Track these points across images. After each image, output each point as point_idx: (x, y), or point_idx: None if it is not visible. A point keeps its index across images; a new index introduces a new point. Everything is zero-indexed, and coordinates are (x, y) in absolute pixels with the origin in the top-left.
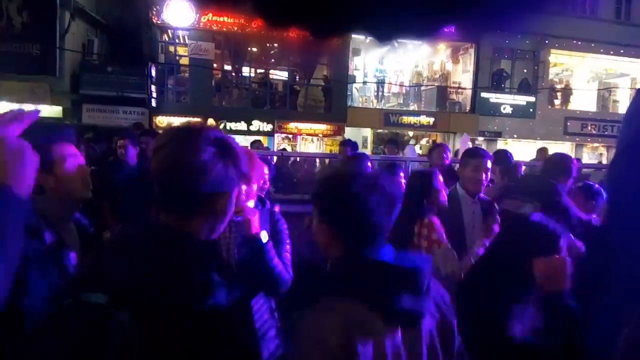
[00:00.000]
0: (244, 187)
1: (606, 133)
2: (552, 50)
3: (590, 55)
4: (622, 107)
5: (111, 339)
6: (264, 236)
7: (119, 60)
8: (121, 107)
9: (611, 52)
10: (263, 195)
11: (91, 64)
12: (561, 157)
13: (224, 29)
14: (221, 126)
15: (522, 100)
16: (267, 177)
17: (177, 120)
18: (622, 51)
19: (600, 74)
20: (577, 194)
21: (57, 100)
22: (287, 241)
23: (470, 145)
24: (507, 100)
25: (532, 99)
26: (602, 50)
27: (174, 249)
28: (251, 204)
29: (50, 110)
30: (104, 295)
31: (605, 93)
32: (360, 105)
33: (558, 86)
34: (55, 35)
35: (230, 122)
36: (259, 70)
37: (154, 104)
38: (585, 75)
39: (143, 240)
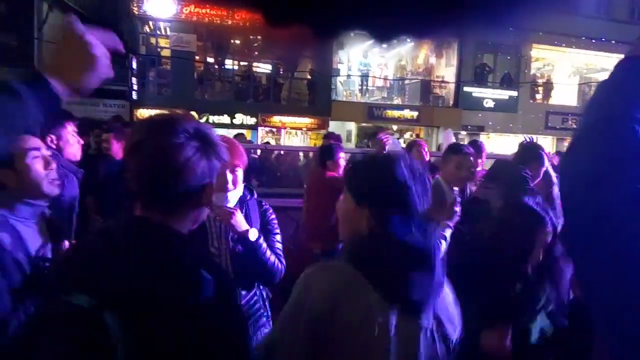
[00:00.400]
0: (229, 175)
1: None
2: (534, 45)
3: (571, 50)
4: None
5: (98, 342)
6: (253, 234)
7: None
8: (101, 99)
9: (591, 47)
10: None
11: None
12: (531, 144)
13: (206, 21)
14: (203, 119)
15: (504, 94)
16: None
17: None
18: (602, 46)
19: (581, 69)
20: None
21: None
22: (277, 230)
23: (453, 140)
24: (489, 95)
25: (514, 93)
26: (582, 45)
27: (159, 245)
28: (234, 197)
29: None
30: (89, 297)
31: (585, 88)
32: (344, 99)
33: (540, 81)
34: (32, 26)
35: (213, 115)
36: (242, 63)
37: (134, 96)
38: (566, 69)
39: (127, 237)
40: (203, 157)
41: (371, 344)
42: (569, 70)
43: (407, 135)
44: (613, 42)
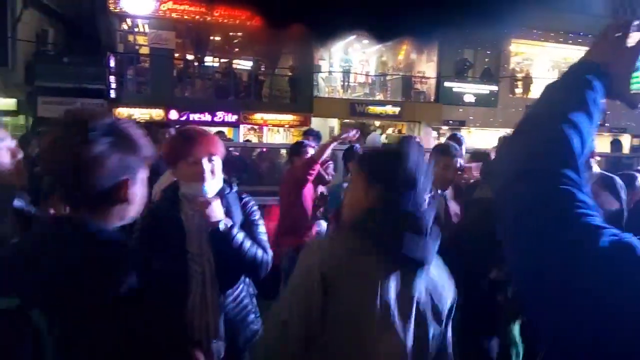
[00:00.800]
0: (206, 164)
1: None
2: (513, 40)
3: (550, 45)
4: None
5: (27, 344)
6: (224, 224)
7: (75, 51)
8: (79, 98)
9: (570, 42)
10: None
11: (46, 54)
12: None
13: (185, 17)
14: (184, 117)
15: (484, 89)
16: None
17: (137, 112)
18: (580, 40)
19: (560, 63)
20: None
21: (10, 92)
22: (261, 222)
23: (434, 135)
24: (470, 90)
25: (494, 88)
26: (561, 40)
27: (77, 243)
28: (212, 187)
29: (4, 103)
30: (17, 299)
31: None
32: (326, 95)
33: (519, 75)
34: (6, 25)
35: (194, 113)
36: (222, 60)
37: (113, 95)
38: (545, 64)
39: (51, 237)
40: (116, 152)
41: (373, 305)
42: (548, 65)
43: (389, 130)
44: (590, 36)
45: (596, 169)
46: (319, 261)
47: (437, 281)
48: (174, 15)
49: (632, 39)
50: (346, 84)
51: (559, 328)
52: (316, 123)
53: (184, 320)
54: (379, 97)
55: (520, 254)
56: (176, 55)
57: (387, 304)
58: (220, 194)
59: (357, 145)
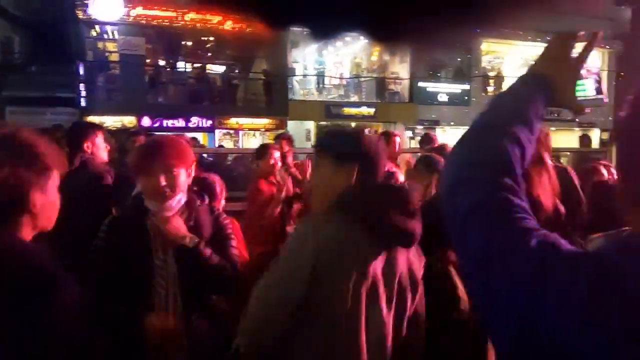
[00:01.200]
0: (164, 180)
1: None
2: (484, 39)
3: (520, 43)
4: None
5: None
6: (189, 240)
7: (43, 59)
8: (48, 108)
9: (539, 39)
10: None
11: (12, 63)
12: None
13: (155, 23)
14: (157, 124)
15: (457, 88)
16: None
17: (109, 120)
18: (549, 38)
19: (530, 61)
20: None
21: None
22: (232, 237)
23: (410, 134)
24: (443, 89)
25: (466, 86)
26: (530, 38)
27: None
28: (174, 202)
29: None
30: None
31: None
32: (301, 98)
33: (490, 73)
34: None
35: (167, 119)
36: (195, 65)
37: (83, 103)
38: (515, 62)
39: None
40: (8, 164)
41: (362, 282)
42: (519, 62)
43: (365, 131)
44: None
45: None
46: (312, 241)
47: (412, 255)
48: (143, 21)
49: (577, 49)
50: (321, 86)
51: (502, 332)
52: (292, 126)
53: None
54: (354, 98)
55: (464, 258)
56: (147, 61)
57: (374, 279)
58: (190, 206)
59: None
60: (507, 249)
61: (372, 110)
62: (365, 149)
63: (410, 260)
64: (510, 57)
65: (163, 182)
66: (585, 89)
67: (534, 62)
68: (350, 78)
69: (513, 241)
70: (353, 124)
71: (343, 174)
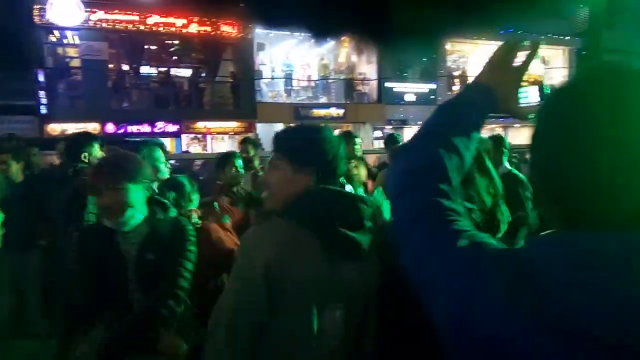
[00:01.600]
0: (105, 197)
1: (502, 115)
2: (449, 37)
3: (483, 42)
4: None
5: None
6: (141, 256)
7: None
8: (6, 116)
9: (502, 39)
10: None
11: None
12: None
13: (117, 27)
14: (122, 130)
15: (424, 88)
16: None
17: (71, 127)
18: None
19: None
20: None
21: None
22: (189, 256)
23: (379, 134)
24: (410, 89)
25: (433, 86)
26: (493, 37)
27: None
28: (125, 219)
29: None
30: None
31: None
32: (270, 101)
33: (456, 73)
34: None
35: (132, 125)
36: (160, 69)
37: (44, 111)
38: (480, 61)
39: None
40: None
41: (318, 290)
42: (483, 61)
43: (335, 132)
44: (520, 32)
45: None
46: (260, 251)
47: (365, 263)
48: (105, 25)
49: (519, 58)
50: (289, 88)
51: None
52: (261, 129)
53: None
54: (323, 100)
55: (408, 261)
56: (110, 66)
57: (325, 286)
58: (149, 220)
59: None
60: (442, 251)
61: (341, 111)
62: (322, 153)
63: (363, 270)
64: (474, 56)
65: (109, 201)
66: (528, 95)
67: (479, 73)
68: (318, 80)
69: (447, 243)
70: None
71: (298, 179)
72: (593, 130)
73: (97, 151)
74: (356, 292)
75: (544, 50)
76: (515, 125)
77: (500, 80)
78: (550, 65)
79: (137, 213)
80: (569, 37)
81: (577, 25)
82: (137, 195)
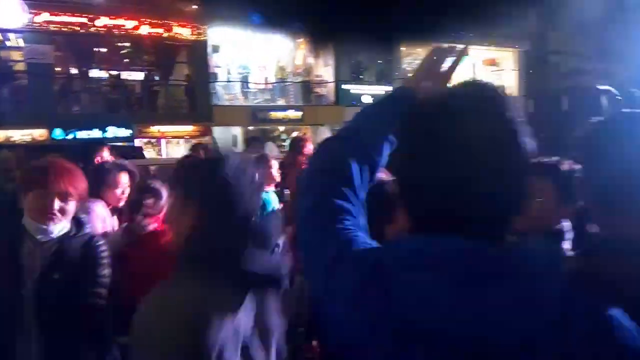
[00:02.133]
0: (57, 202)
1: None
2: (403, 41)
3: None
4: None
5: None
6: (49, 274)
7: None
8: None
9: (453, 41)
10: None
11: None
12: None
13: (64, 29)
14: (70, 136)
15: (380, 89)
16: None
17: (17, 134)
18: (462, 39)
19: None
20: None
21: None
22: (99, 279)
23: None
24: (367, 91)
25: (389, 88)
26: (444, 39)
27: None
28: (57, 230)
29: None
30: None
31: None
32: (226, 103)
33: (410, 75)
34: None
35: (82, 130)
36: (111, 72)
37: None
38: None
39: None
40: None
41: (229, 337)
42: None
43: (294, 134)
44: (472, 35)
45: None
46: (168, 308)
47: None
48: (51, 27)
49: (445, 64)
50: (246, 90)
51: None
52: (218, 132)
53: None
54: (281, 102)
55: (301, 253)
56: (57, 69)
57: (247, 332)
58: (64, 237)
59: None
60: (315, 250)
61: (299, 114)
62: (208, 183)
63: (270, 307)
64: None
65: (57, 205)
66: None
67: (407, 78)
68: (275, 83)
69: (321, 243)
70: (281, 128)
71: (186, 214)
72: (429, 146)
73: (108, 155)
74: (269, 331)
75: (494, 53)
76: None
77: (425, 85)
78: (501, 67)
79: (66, 226)
80: (518, 40)
81: (526, 28)
82: (73, 209)
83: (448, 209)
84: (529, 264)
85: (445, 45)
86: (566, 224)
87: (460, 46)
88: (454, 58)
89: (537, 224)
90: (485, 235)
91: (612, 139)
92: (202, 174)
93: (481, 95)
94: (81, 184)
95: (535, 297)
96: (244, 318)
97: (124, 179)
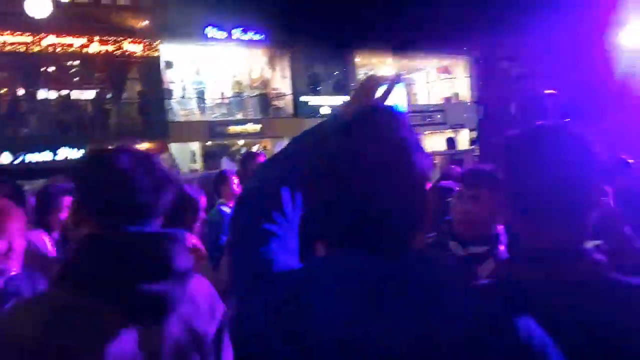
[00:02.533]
0: None
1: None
2: (357, 52)
3: (390, 56)
4: (420, 98)
5: None
6: None
7: None
8: None
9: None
10: None
11: None
12: None
13: (8, 49)
14: (18, 160)
15: (337, 100)
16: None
17: None
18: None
19: (402, 68)
20: None
21: None
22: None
23: None
24: (324, 102)
25: (347, 98)
26: (396, 50)
27: None
28: None
29: None
30: None
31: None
32: (182, 119)
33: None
34: None
35: (31, 153)
36: (60, 92)
37: None
38: (388, 72)
39: None
40: None
41: None
42: (391, 73)
43: (255, 148)
44: (424, 43)
45: None
46: (24, 337)
47: (196, 311)
48: None
49: (379, 91)
50: (203, 105)
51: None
52: (176, 148)
53: None
54: (239, 116)
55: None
56: (2, 91)
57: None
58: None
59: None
60: (237, 269)
61: (257, 127)
62: (86, 182)
63: (191, 318)
64: (382, 68)
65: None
66: None
67: (343, 104)
68: (232, 97)
69: (246, 261)
70: (240, 142)
71: (83, 225)
72: (334, 170)
73: None
74: (183, 349)
75: (446, 60)
76: (424, 132)
77: (348, 111)
78: (453, 75)
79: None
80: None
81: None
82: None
83: (354, 227)
84: (430, 275)
85: (379, 74)
86: (501, 228)
87: (392, 74)
88: (387, 85)
89: (477, 230)
90: (389, 251)
91: (531, 151)
92: (92, 172)
93: (378, 119)
94: (17, 227)
95: (438, 307)
96: (122, 345)
97: (68, 202)
